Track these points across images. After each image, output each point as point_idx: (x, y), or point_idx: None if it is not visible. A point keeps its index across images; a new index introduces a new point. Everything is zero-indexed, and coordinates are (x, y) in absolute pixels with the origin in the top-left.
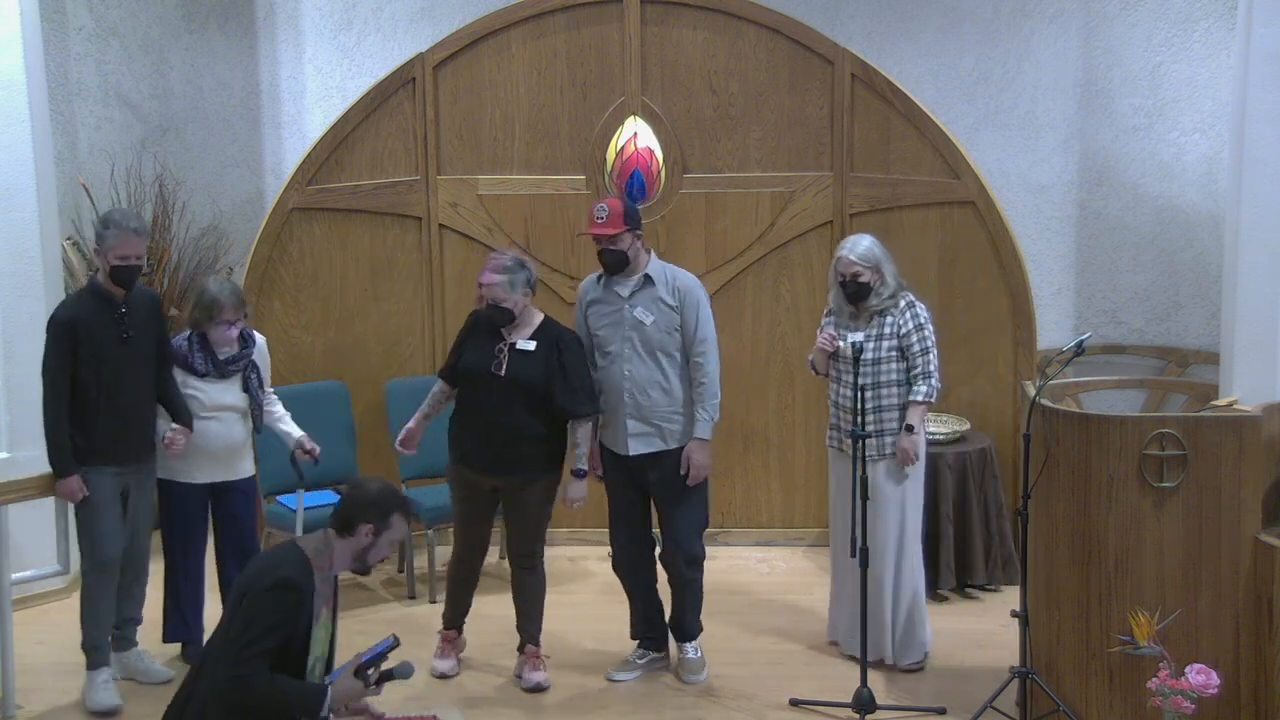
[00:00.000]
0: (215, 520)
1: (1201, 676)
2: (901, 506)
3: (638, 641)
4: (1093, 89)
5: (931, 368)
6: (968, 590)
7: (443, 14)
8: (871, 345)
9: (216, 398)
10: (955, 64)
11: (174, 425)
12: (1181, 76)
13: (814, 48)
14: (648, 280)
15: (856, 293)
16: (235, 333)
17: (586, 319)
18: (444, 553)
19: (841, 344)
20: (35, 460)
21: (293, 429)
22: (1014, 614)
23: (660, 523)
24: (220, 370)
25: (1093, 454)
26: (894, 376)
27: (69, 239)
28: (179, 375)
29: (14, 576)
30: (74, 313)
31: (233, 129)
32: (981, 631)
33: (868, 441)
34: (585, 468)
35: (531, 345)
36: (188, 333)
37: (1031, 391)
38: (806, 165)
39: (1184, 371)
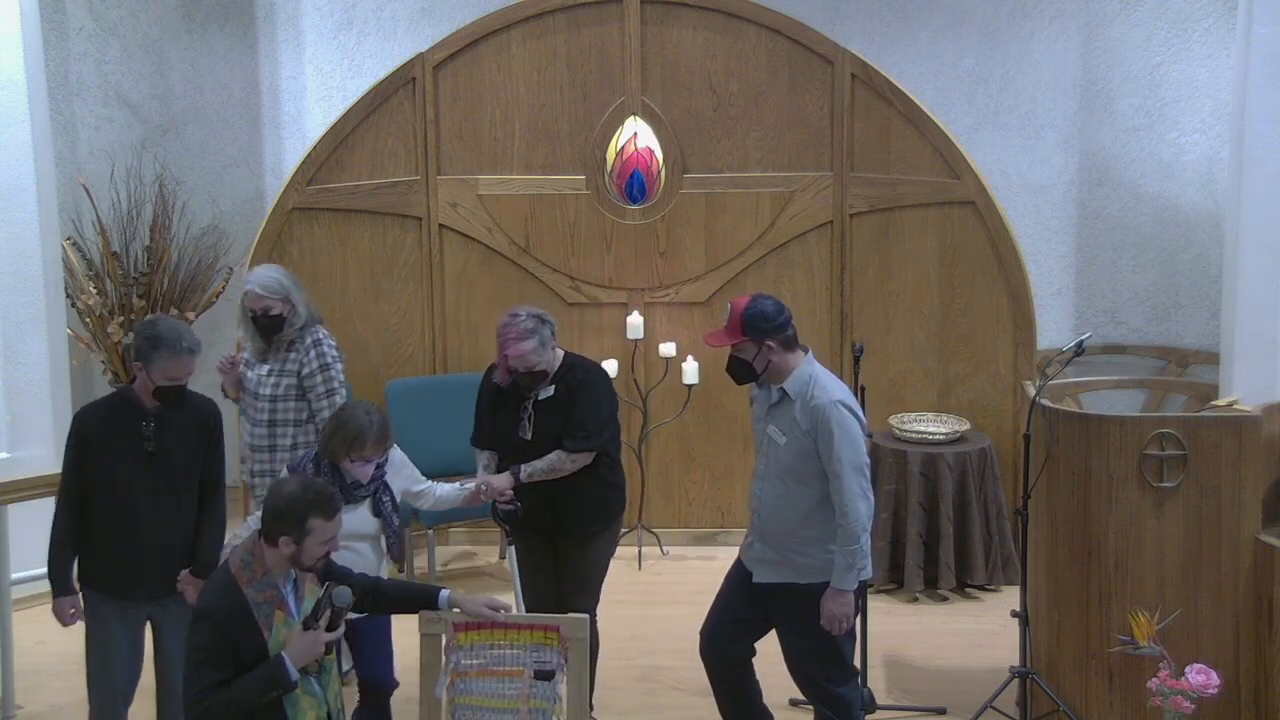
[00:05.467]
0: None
1: (1201, 676)
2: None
3: None
4: (1093, 89)
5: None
6: (968, 590)
7: (443, 14)
8: (272, 381)
9: (346, 525)
10: (955, 64)
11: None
12: (1181, 76)
13: (814, 48)
14: (784, 396)
15: (269, 326)
16: (372, 469)
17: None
18: (444, 552)
19: (243, 367)
20: (35, 460)
21: (454, 486)
22: (1014, 614)
23: (787, 664)
24: (348, 496)
25: (1093, 454)
26: (291, 416)
27: (69, 239)
28: None
29: (14, 576)
30: (90, 414)
31: (233, 129)
32: (981, 631)
33: None
34: (523, 478)
35: (551, 389)
36: (313, 453)
37: (1031, 391)
38: (806, 165)
39: (1184, 371)
